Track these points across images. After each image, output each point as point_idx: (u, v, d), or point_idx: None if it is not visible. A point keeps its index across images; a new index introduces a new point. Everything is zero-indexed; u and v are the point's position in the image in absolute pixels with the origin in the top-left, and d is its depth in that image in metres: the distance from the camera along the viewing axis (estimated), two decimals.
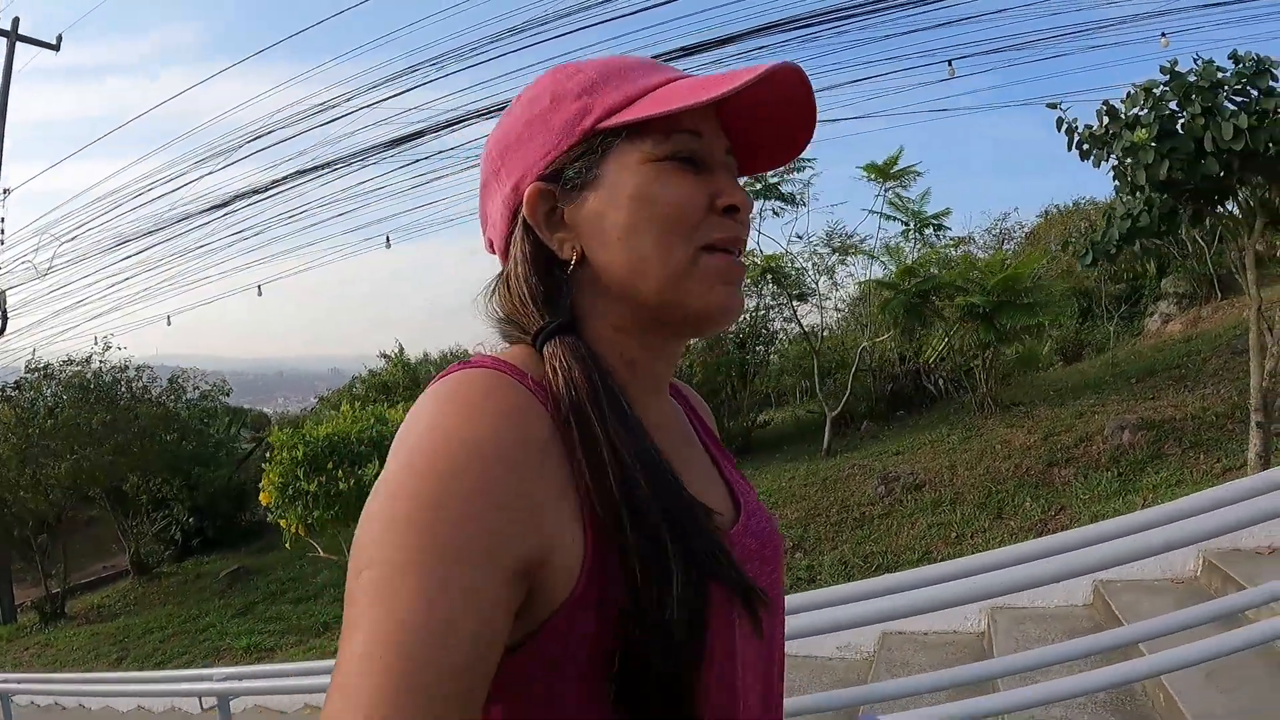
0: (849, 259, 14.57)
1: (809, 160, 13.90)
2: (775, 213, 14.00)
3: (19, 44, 16.35)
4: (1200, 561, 5.52)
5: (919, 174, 13.58)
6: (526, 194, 0.85)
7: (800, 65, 0.83)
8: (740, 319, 15.00)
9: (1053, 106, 7.55)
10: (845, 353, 13.88)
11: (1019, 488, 9.98)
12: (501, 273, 0.90)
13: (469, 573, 0.65)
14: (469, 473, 0.68)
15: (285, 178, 14.37)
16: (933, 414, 13.67)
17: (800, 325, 14.80)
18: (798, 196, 14.12)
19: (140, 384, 16.66)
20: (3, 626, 16.21)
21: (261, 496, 10.27)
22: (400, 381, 15.71)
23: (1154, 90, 6.90)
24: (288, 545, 10.34)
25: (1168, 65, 6.95)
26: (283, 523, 9.98)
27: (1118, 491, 9.48)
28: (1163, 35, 9.83)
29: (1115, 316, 15.68)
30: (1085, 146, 7.25)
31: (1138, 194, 6.98)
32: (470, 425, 0.71)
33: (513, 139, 0.88)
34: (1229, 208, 7.65)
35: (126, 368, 16.61)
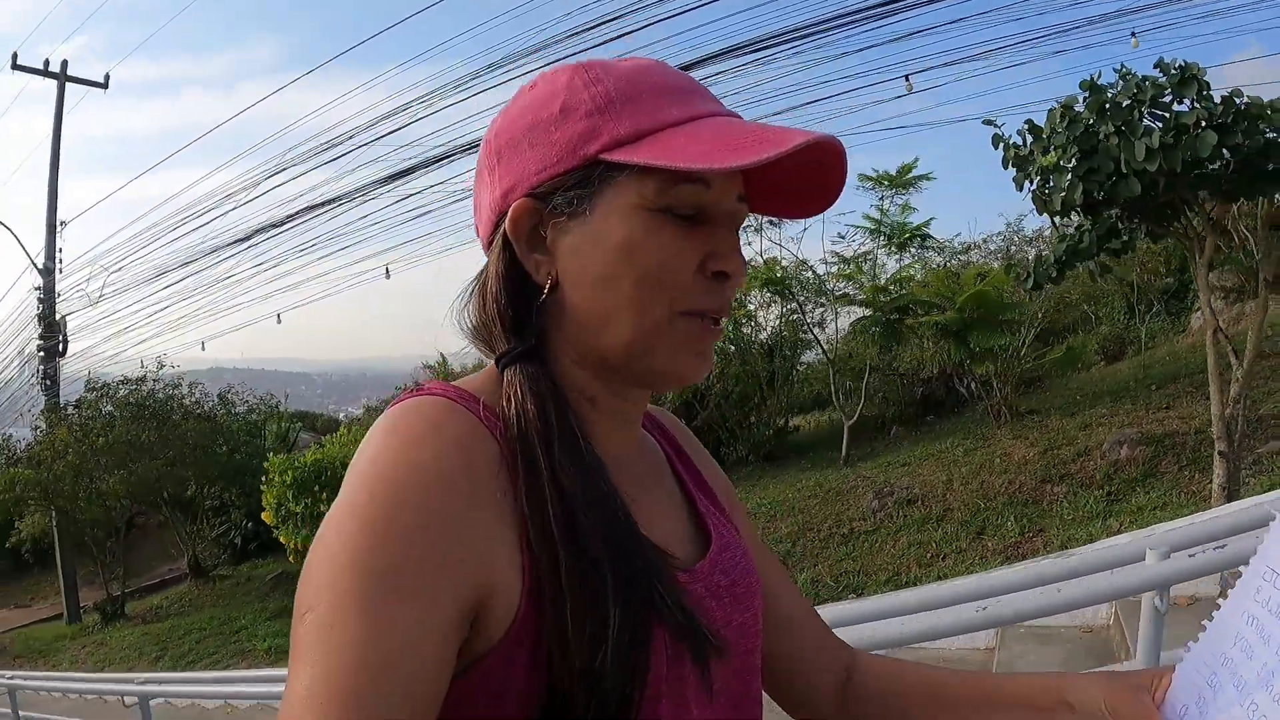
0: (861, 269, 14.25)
1: None
2: (772, 223, 13.84)
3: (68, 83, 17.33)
4: (1113, 611, 5.29)
5: (931, 179, 13.21)
6: (511, 209, 0.81)
7: (838, 139, 0.79)
8: (767, 326, 15.02)
9: (989, 123, 7.27)
10: (864, 359, 13.60)
11: (1007, 505, 9.72)
12: (478, 279, 0.87)
13: (411, 610, 0.64)
14: (411, 507, 0.66)
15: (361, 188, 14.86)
16: (960, 419, 13.39)
17: (813, 334, 14.59)
18: None
19: (193, 399, 17.55)
20: (68, 625, 17.40)
21: (264, 515, 10.88)
22: None
23: (1073, 107, 6.58)
24: (290, 559, 10.90)
25: (1088, 80, 6.62)
26: (283, 539, 10.55)
27: (1102, 513, 9.19)
28: (1133, 34, 9.30)
29: (1159, 312, 14.92)
30: (1011, 168, 6.96)
31: (1057, 218, 6.69)
32: (415, 455, 0.69)
33: (514, 137, 0.82)
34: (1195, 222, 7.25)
35: (179, 384, 17.51)
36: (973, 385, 12.74)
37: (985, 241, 18.35)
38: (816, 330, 14.80)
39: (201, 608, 15.90)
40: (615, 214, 0.77)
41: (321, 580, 0.65)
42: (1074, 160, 6.45)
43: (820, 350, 14.64)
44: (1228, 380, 7.35)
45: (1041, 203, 6.56)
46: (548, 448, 0.74)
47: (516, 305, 0.82)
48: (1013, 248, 17.83)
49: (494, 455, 0.73)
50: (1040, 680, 0.90)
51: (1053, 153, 6.39)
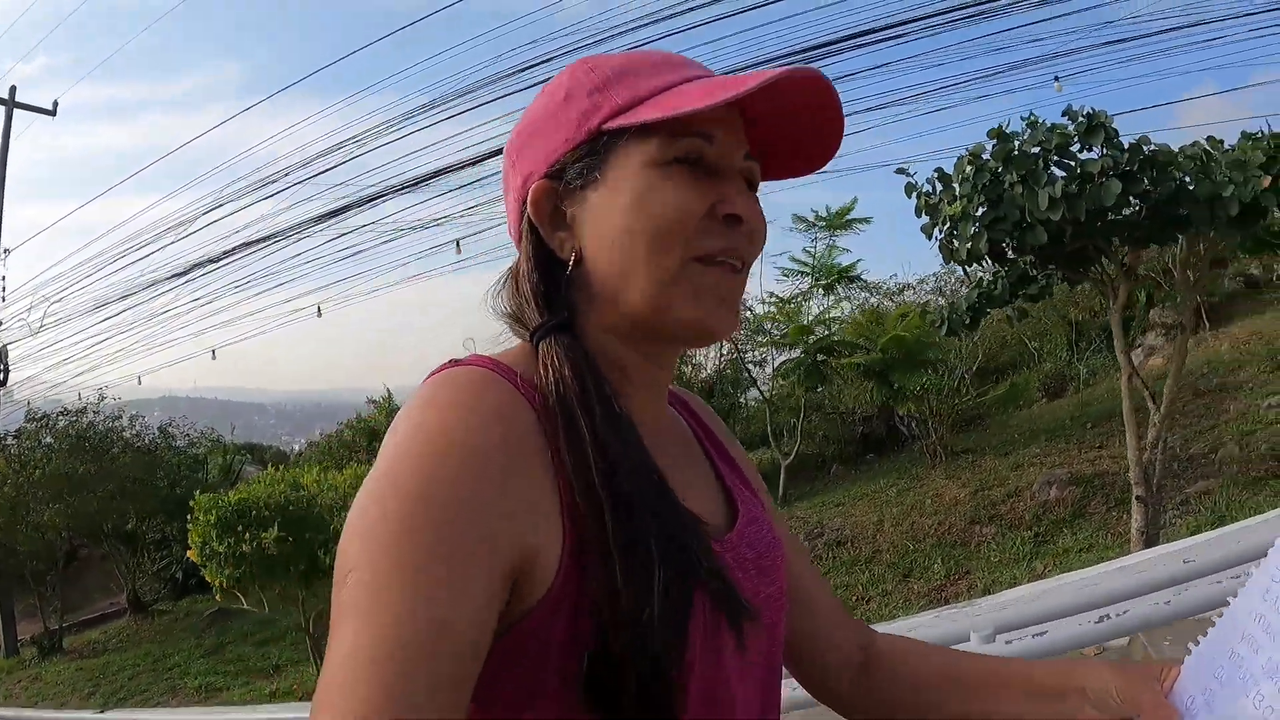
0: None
1: None
2: None
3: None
4: None
5: (868, 222, 13.30)
6: (530, 191, 0.85)
7: (820, 72, 0.81)
8: (707, 365, 14.97)
9: (901, 172, 7.27)
10: (805, 397, 13.57)
11: (935, 547, 9.72)
12: (511, 267, 0.90)
13: (456, 572, 0.65)
14: (455, 471, 0.68)
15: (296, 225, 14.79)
16: (897, 458, 13.33)
17: (750, 373, 14.58)
18: None
19: (134, 431, 17.34)
20: (4, 659, 16.92)
21: (190, 553, 10.67)
22: (383, 427, 15.83)
23: (981, 155, 6.59)
24: (217, 597, 10.71)
25: (997, 128, 6.63)
26: (208, 577, 10.36)
27: (1028, 555, 9.22)
28: (1056, 79, 9.37)
29: (1100, 348, 15.02)
30: (923, 216, 6.96)
31: (965, 267, 6.69)
32: (456, 424, 0.71)
33: (528, 133, 0.87)
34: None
35: (120, 416, 17.29)
36: (913, 424, 12.74)
37: (921, 282, 18.31)
38: (756, 370, 14.78)
39: (139, 643, 15.61)
40: (624, 176, 0.80)
41: (364, 545, 0.66)
42: (980, 209, 6.45)
43: (758, 390, 14.64)
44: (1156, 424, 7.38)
45: (948, 252, 6.56)
46: (588, 412, 0.76)
47: (546, 284, 0.85)
48: (949, 288, 17.83)
49: (532, 424, 0.75)
50: (1053, 666, 0.92)
51: (959, 202, 6.39)
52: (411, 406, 0.74)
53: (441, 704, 0.62)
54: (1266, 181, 6.26)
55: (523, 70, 11.67)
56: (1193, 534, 7.77)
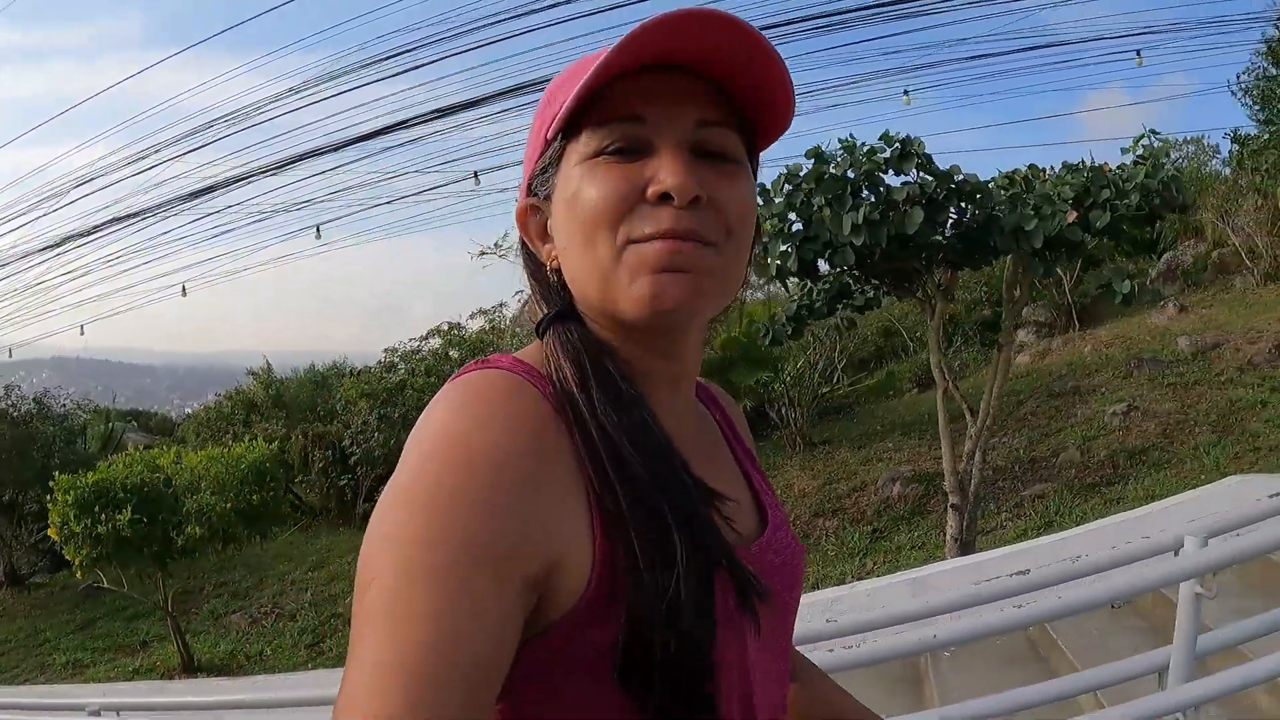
0: None
1: None
2: None
3: None
4: None
5: None
6: (517, 210, 0.87)
7: (717, 9, 0.75)
8: None
9: None
10: None
11: None
12: None
13: (480, 585, 0.64)
14: (480, 481, 0.67)
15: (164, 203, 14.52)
16: (763, 446, 13.54)
17: None
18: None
19: (9, 402, 16.92)
20: None
21: (50, 531, 10.62)
22: (262, 401, 15.79)
23: (798, 175, 6.82)
24: (79, 575, 10.67)
25: (815, 147, 6.85)
26: (68, 555, 10.32)
27: (864, 551, 9.48)
28: (905, 92, 9.63)
29: (975, 342, 15.49)
30: None
31: (782, 283, 6.94)
32: (482, 431, 0.69)
33: (526, 151, 0.88)
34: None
35: None
36: (783, 412, 13.03)
37: (769, 282, 18.72)
38: None
39: (14, 618, 15.36)
40: (565, 178, 0.80)
41: (388, 553, 0.65)
42: (794, 228, 6.70)
43: None
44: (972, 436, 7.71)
45: (759, 266, 6.79)
46: (586, 392, 0.76)
47: (545, 291, 0.86)
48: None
49: (555, 424, 0.74)
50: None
51: (773, 220, 6.63)
52: (436, 411, 0.73)
53: (463, 715, 0.61)
54: (1072, 216, 6.55)
55: (386, 59, 11.61)
56: (1020, 538, 8.12)
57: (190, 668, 10.65)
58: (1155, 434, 10.02)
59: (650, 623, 0.69)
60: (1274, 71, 15.13)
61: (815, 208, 6.58)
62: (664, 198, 0.75)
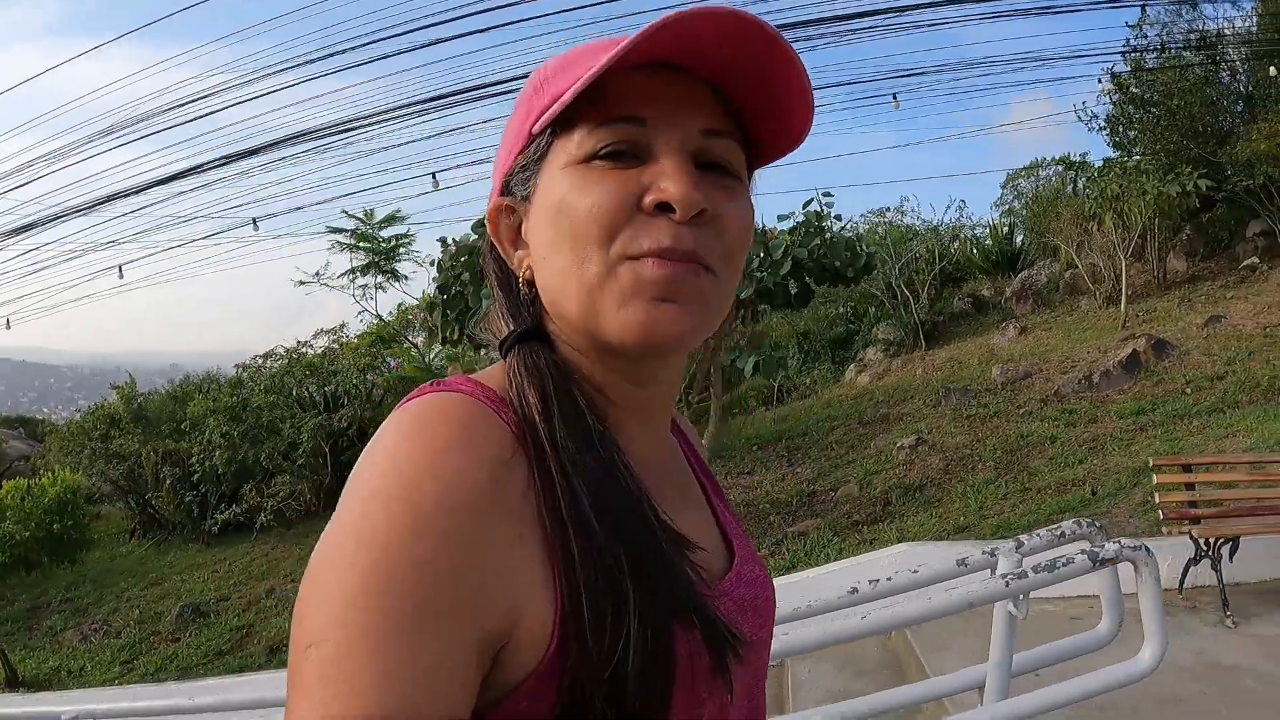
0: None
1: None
2: (382, 288, 14.77)
3: None
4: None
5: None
6: (488, 210, 0.79)
7: (744, 11, 0.68)
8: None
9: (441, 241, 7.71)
10: None
11: None
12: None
13: (430, 647, 0.57)
14: (434, 529, 0.59)
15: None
16: None
17: None
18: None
19: None
20: None
21: None
22: (122, 415, 15.76)
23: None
24: None
25: None
26: None
27: None
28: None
29: (825, 359, 15.68)
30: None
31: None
32: (434, 468, 0.61)
33: (500, 146, 0.81)
34: None
35: None
36: None
37: None
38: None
39: None
40: (550, 180, 0.73)
41: (329, 609, 0.58)
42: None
43: None
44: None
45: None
46: (549, 422, 0.69)
47: (511, 304, 0.80)
48: None
49: (517, 458, 0.67)
50: None
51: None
52: (382, 440, 0.65)
53: None
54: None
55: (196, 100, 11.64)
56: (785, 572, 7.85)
57: (13, 683, 10.75)
58: (937, 470, 9.82)
59: (589, 691, 0.62)
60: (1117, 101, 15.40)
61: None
62: (662, 208, 0.69)
